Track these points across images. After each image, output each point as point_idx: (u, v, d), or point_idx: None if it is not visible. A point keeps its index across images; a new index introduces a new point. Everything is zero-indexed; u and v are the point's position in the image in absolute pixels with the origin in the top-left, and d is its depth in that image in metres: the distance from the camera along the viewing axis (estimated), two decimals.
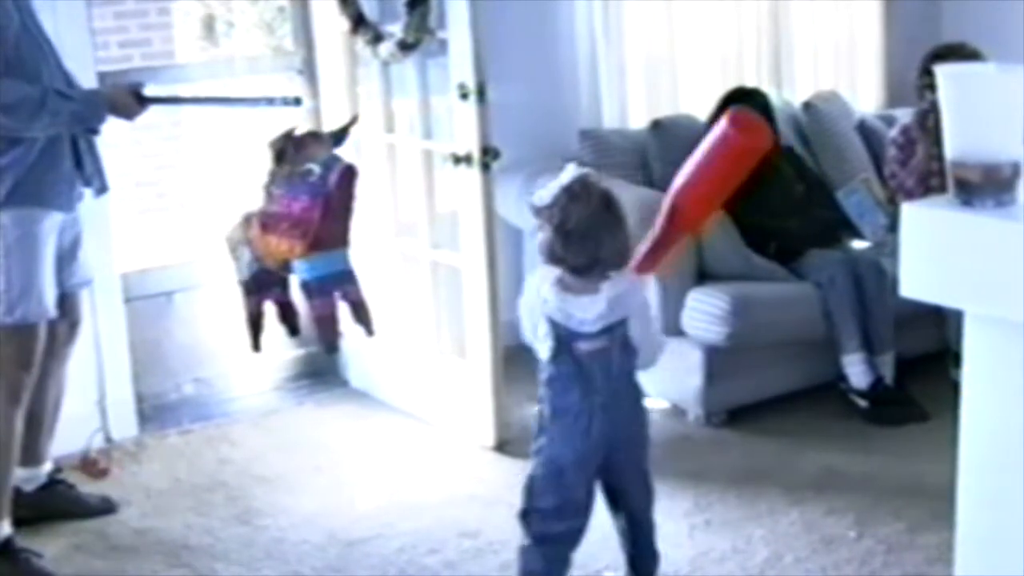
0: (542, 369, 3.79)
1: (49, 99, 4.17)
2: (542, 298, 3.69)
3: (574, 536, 3.87)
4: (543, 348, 3.75)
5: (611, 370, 3.76)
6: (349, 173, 4.74)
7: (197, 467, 5.29)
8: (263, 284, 4.81)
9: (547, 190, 3.70)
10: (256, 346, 4.89)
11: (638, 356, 3.81)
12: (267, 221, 4.65)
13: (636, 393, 3.89)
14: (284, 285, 4.84)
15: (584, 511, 3.86)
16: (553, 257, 3.68)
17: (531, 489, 3.84)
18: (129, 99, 4.44)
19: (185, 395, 5.96)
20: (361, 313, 4.88)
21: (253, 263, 4.74)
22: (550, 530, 3.83)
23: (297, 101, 4.72)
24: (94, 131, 4.44)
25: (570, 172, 3.71)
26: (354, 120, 5.16)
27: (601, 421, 3.76)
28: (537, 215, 3.71)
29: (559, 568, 3.88)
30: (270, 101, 4.73)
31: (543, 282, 3.70)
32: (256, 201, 4.76)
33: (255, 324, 4.86)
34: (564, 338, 3.70)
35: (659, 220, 3.99)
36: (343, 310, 4.84)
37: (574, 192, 3.65)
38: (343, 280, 4.76)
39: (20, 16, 4.23)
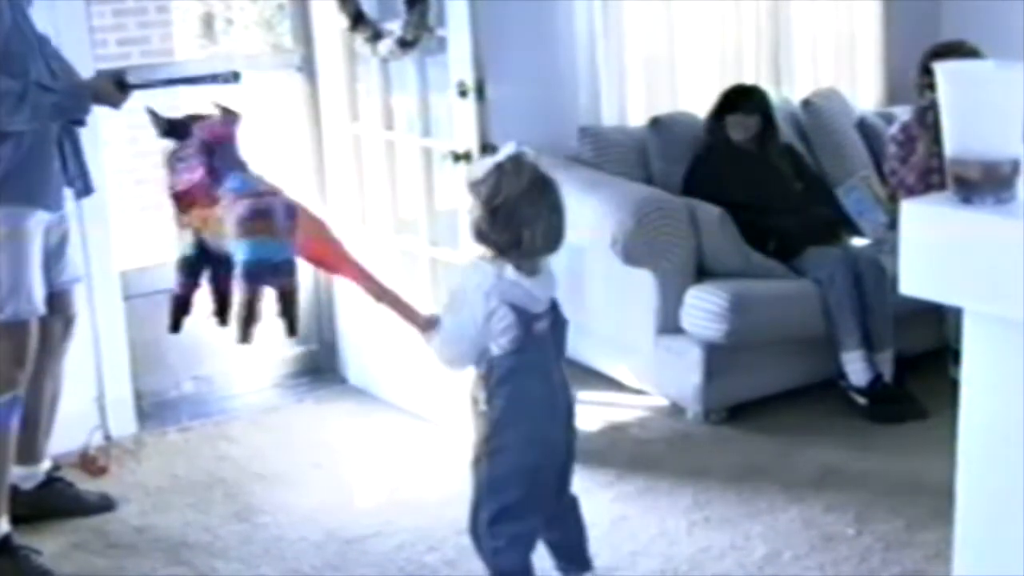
0: (495, 365, 3.68)
1: (31, 92, 4.15)
2: (509, 281, 3.61)
3: (538, 534, 3.85)
4: (501, 341, 3.64)
5: (556, 347, 3.77)
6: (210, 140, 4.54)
7: (196, 464, 5.29)
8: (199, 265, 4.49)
9: (480, 165, 3.69)
10: (176, 328, 4.68)
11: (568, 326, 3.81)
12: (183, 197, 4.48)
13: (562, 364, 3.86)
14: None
15: (547, 503, 3.82)
16: (479, 235, 3.63)
17: (497, 490, 3.75)
18: (111, 87, 4.42)
19: (184, 393, 5.96)
20: (287, 306, 4.61)
21: (196, 243, 4.53)
22: (526, 527, 3.79)
23: (236, 77, 4.65)
24: (80, 122, 4.42)
25: (507, 149, 3.65)
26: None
27: (561, 399, 3.77)
28: (469, 191, 3.67)
29: (529, 563, 3.84)
30: (213, 78, 4.67)
31: (501, 268, 3.62)
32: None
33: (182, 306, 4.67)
34: (525, 323, 3.63)
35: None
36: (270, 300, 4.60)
37: (505, 169, 3.60)
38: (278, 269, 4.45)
39: (12, 14, 4.23)
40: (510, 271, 3.61)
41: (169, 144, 4.41)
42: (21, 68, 4.19)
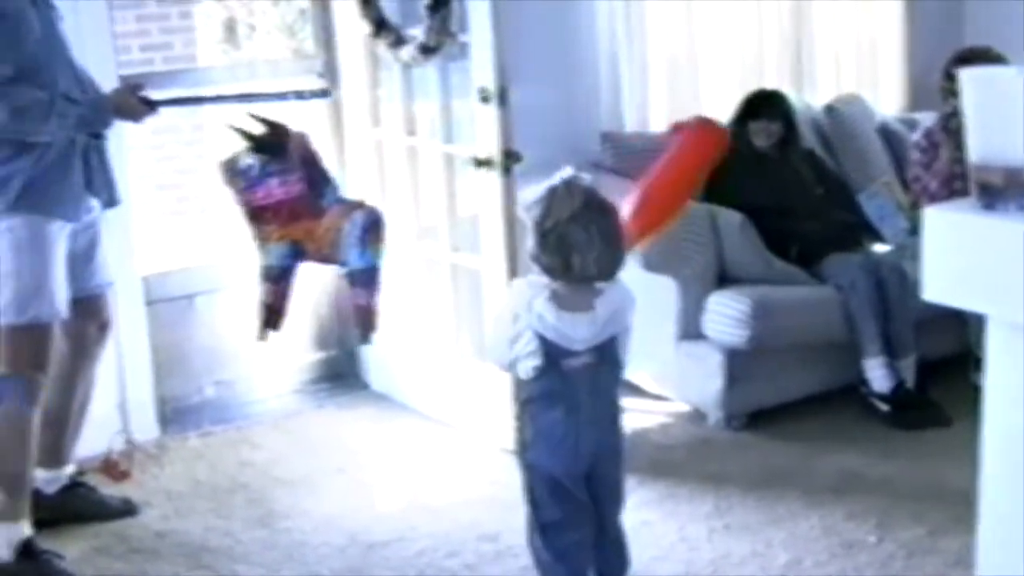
0: (520, 386, 3.70)
1: (58, 103, 4.20)
2: (536, 313, 3.57)
3: (588, 545, 3.82)
4: (525, 365, 3.62)
5: (596, 386, 3.69)
6: (309, 155, 4.75)
7: (218, 469, 5.30)
8: (285, 274, 4.79)
9: (534, 189, 3.66)
10: (263, 335, 4.83)
11: (622, 371, 3.77)
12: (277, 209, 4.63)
13: (617, 408, 3.81)
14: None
15: (590, 518, 3.79)
16: (532, 257, 3.61)
17: (536, 502, 3.76)
18: (133, 101, 4.46)
19: (206, 397, 5.97)
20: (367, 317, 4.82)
21: (288, 254, 4.69)
22: (569, 541, 3.77)
23: (325, 93, 4.74)
24: (99, 135, 4.45)
25: (562, 173, 3.64)
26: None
27: (587, 437, 3.69)
28: (524, 212, 3.65)
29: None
30: (299, 95, 4.75)
31: (536, 296, 3.59)
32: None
33: (272, 313, 4.82)
34: (552, 355, 3.59)
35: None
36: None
37: (557, 192, 3.57)
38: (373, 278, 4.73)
39: (42, 26, 4.26)
40: (540, 303, 3.57)
41: (233, 156, 4.54)
42: (49, 79, 4.22)
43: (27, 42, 4.18)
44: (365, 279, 4.59)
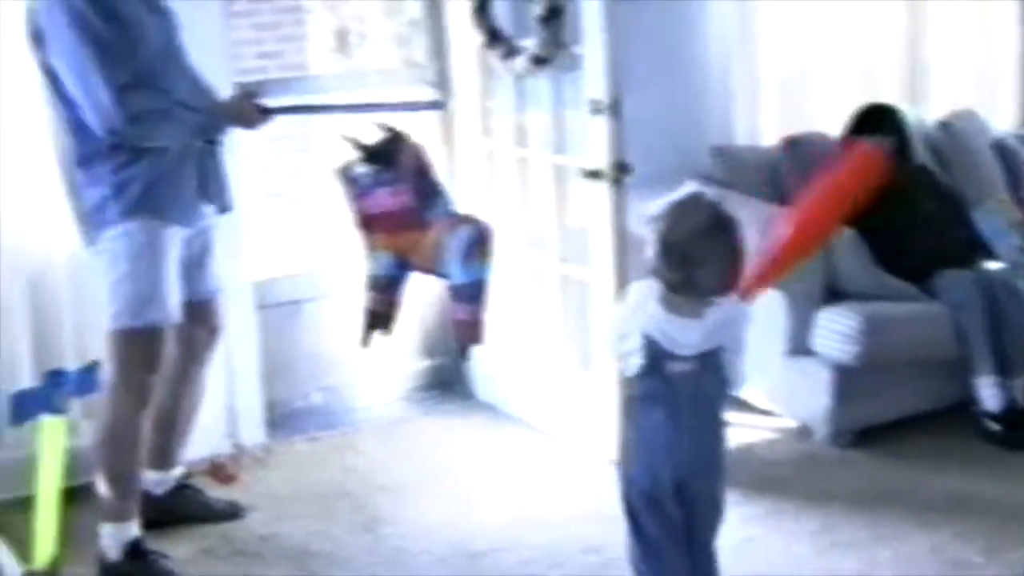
0: (628, 384, 3.72)
1: (175, 110, 4.24)
2: (647, 313, 3.57)
3: (686, 564, 3.77)
4: (630, 363, 3.63)
5: (699, 395, 3.66)
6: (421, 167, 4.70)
7: (323, 475, 5.33)
8: (391, 283, 4.76)
9: (660, 202, 3.63)
10: (367, 341, 4.82)
11: (729, 386, 3.74)
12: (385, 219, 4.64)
13: (719, 421, 3.77)
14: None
15: (682, 534, 3.76)
16: (653, 270, 3.59)
17: (635, 519, 3.73)
18: (250, 109, 4.50)
19: (313, 403, 6.01)
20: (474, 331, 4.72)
21: (394, 264, 4.70)
22: (668, 559, 3.74)
23: (439, 104, 4.76)
24: (215, 142, 4.50)
25: (687, 188, 3.63)
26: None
27: (686, 445, 3.67)
28: (647, 225, 3.62)
29: None
30: (412, 106, 4.77)
31: (649, 296, 3.59)
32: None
33: (375, 320, 4.82)
34: (657, 356, 3.58)
35: (775, 240, 3.96)
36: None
37: (683, 206, 3.55)
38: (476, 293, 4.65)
39: (160, 34, 4.32)
40: (652, 306, 3.57)
41: (347, 163, 4.57)
42: (166, 86, 4.28)
43: (145, 49, 4.24)
44: (468, 294, 4.58)
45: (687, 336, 3.58)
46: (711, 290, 3.57)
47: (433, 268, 4.61)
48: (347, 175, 4.63)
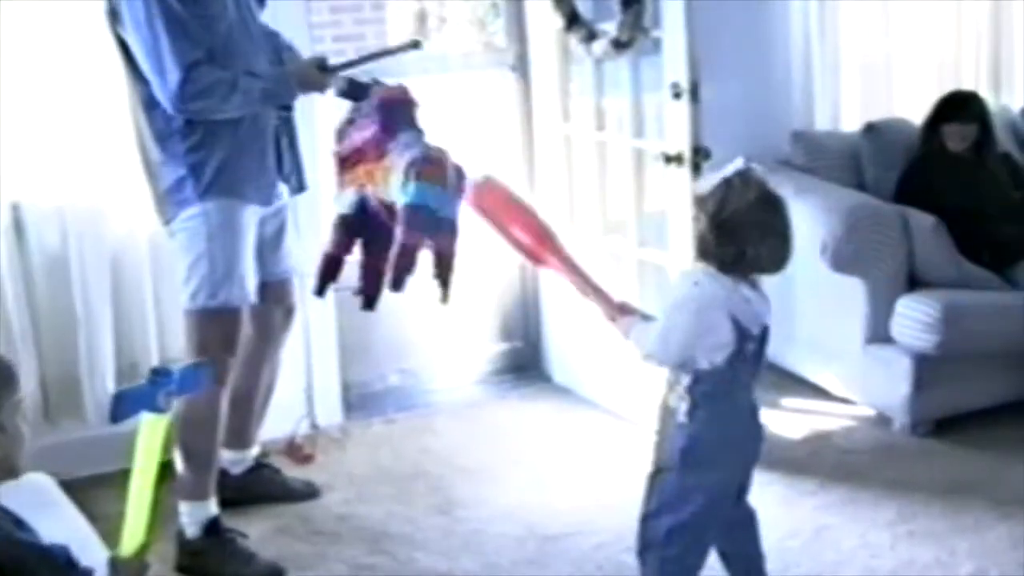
0: (701, 378, 3.59)
1: (240, 80, 4.21)
2: (742, 296, 3.55)
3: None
4: (716, 355, 3.55)
5: (756, 373, 3.70)
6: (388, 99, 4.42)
7: (399, 456, 5.36)
8: (357, 228, 4.44)
9: (708, 180, 3.64)
10: (321, 291, 4.54)
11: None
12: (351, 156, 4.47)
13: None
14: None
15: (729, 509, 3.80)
16: (703, 249, 3.57)
17: (685, 501, 3.68)
18: (314, 71, 4.45)
19: (390, 385, 6.04)
20: (442, 269, 4.27)
21: (357, 202, 4.39)
22: (702, 539, 3.75)
23: (416, 44, 4.66)
24: (288, 107, 4.49)
25: (735, 164, 3.60)
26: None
27: (756, 423, 3.74)
28: (696, 205, 3.62)
29: None
30: (399, 49, 4.68)
31: (737, 283, 3.55)
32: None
33: (331, 267, 4.51)
34: (742, 341, 3.57)
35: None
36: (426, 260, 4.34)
37: (732, 184, 3.54)
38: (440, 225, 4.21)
39: (238, 11, 4.32)
40: (745, 288, 3.56)
41: (344, 114, 4.46)
42: (245, 64, 4.27)
43: (219, 23, 4.23)
44: (404, 217, 4.13)
45: (762, 312, 3.60)
46: (762, 267, 3.58)
47: (384, 198, 4.35)
48: (340, 123, 4.49)
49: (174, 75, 4.10)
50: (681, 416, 3.63)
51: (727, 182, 3.55)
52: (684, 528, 3.68)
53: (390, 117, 4.30)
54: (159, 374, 3.24)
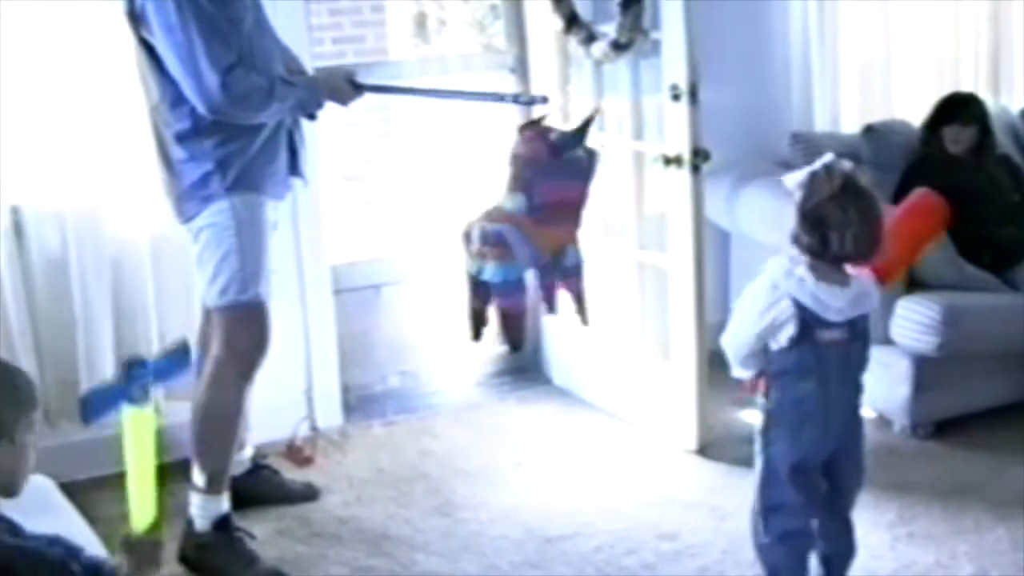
0: (771, 362, 3.77)
1: (277, 87, 4.23)
2: (797, 278, 3.68)
3: (811, 533, 3.91)
4: (782, 334, 3.71)
5: (847, 364, 3.80)
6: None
7: (399, 458, 5.35)
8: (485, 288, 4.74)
9: (797, 174, 3.76)
10: (476, 336, 4.84)
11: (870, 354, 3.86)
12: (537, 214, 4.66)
13: (861, 391, 3.91)
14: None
15: (821, 504, 3.89)
16: (793, 237, 3.71)
17: (769, 484, 3.84)
18: (344, 85, 4.49)
19: (390, 387, 6.04)
20: (579, 304, 4.87)
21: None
22: (795, 526, 3.86)
23: (544, 99, 4.77)
24: (313, 116, 4.51)
25: (824, 158, 3.75)
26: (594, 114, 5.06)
27: (837, 415, 3.81)
28: (788, 195, 3.76)
29: (802, 565, 3.91)
30: (516, 98, 4.79)
31: (795, 265, 3.71)
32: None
33: (478, 318, 4.82)
34: (808, 323, 3.69)
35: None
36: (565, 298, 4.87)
37: (817, 174, 3.69)
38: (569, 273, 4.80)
39: (255, 12, 4.33)
40: (801, 270, 3.69)
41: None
42: (266, 65, 4.27)
43: (242, 25, 4.22)
44: (501, 294, 4.60)
45: (836, 301, 3.70)
46: (847, 253, 3.69)
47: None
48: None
49: (212, 78, 4.09)
50: (761, 397, 3.84)
51: (813, 173, 3.72)
52: (775, 510, 3.86)
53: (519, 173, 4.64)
54: (133, 367, 3.20)
